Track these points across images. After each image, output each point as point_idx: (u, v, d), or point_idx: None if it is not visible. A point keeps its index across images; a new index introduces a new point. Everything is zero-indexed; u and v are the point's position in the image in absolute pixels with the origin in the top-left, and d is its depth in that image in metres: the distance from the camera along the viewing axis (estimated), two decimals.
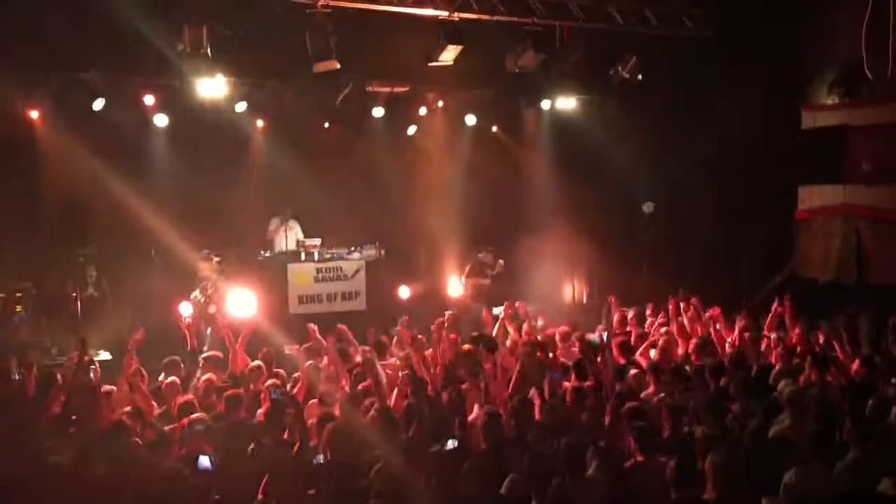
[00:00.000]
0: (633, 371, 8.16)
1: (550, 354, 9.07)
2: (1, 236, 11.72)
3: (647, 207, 15.07)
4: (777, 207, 13.51)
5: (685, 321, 9.89)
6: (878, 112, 12.17)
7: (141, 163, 12.89)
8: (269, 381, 7.82)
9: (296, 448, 6.33)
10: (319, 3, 10.71)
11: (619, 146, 14.67)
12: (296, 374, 8.53)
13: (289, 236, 13.81)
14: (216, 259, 12.56)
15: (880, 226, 12.22)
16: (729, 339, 9.46)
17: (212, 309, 11.44)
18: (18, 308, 11.68)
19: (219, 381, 8.17)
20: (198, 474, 6.08)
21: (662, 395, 7.51)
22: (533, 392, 7.39)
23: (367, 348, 8.98)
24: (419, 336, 9.21)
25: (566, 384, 7.92)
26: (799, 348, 8.85)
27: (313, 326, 9.08)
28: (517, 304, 10.77)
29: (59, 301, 12.10)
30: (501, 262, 14.00)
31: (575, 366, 8.18)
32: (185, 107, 12.66)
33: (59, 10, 10.20)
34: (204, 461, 6.19)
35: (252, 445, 6.32)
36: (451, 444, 6.34)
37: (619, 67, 13.04)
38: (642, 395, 7.61)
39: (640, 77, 13.01)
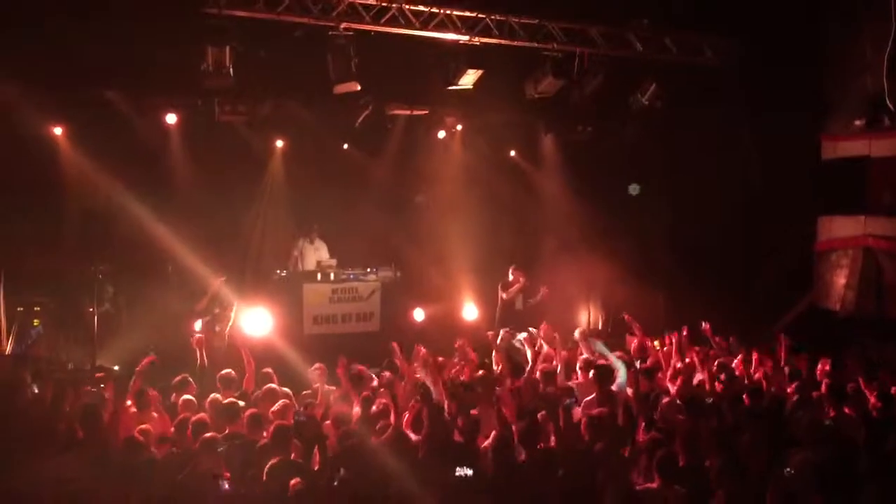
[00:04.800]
0: (664, 400, 8.00)
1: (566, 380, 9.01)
2: (21, 251, 11.79)
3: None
4: (796, 238, 13.40)
5: (708, 351, 9.83)
6: None
7: (161, 181, 13.00)
8: (280, 402, 7.82)
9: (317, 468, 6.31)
10: (342, 26, 10.82)
11: (637, 173, 14.64)
12: (305, 392, 8.57)
13: (311, 256, 13.82)
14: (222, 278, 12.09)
15: None
16: (746, 370, 9.38)
17: (217, 328, 11.31)
18: (36, 322, 11.75)
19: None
20: (216, 497, 6.05)
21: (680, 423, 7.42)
22: (542, 416, 7.33)
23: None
24: (438, 359, 9.17)
25: (577, 410, 7.87)
26: (821, 381, 8.75)
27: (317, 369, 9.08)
28: (540, 328, 10.70)
29: (75, 316, 12.15)
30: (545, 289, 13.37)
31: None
32: (207, 126, 12.78)
33: (84, 28, 10.31)
34: (222, 484, 6.16)
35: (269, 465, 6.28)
36: (465, 472, 6.30)
37: (639, 94, 13.06)
38: (663, 422, 7.51)
39: (659, 104, 13.00)
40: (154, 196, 12.54)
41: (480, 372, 9.00)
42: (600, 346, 9.41)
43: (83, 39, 10.46)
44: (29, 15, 10.18)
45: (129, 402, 7.81)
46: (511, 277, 13.22)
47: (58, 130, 12.23)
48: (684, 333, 10.02)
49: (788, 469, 6.17)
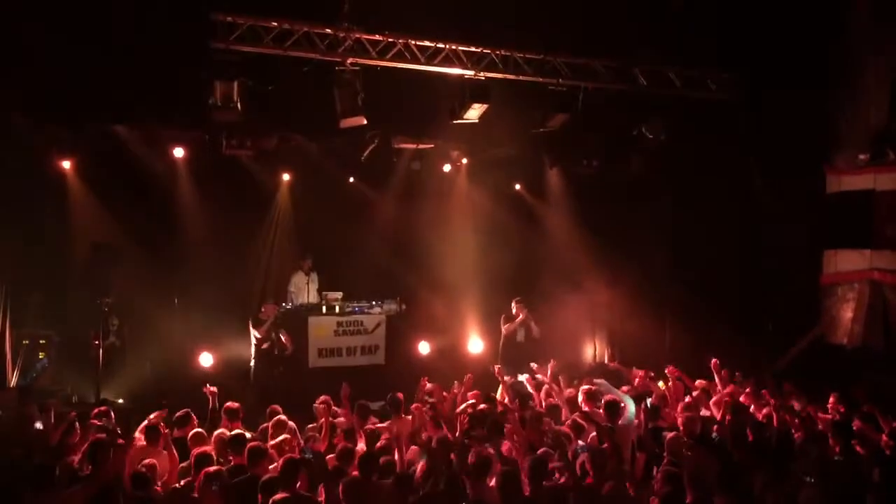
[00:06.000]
0: (670, 435, 7.93)
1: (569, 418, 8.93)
2: (28, 283, 11.85)
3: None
4: (802, 271, 13.36)
5: (713, 387, 9.77)
6: None
7: (167, 214, 13.07)
8: (282, 437, 7.79)
9: None
10: (348, 62, 10.91)
11: (642, 207, 14.66)
12: (310, 426, 8.53)
13: (311, 289, 13.83)
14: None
15: None
16: (752, 406, 9.32)
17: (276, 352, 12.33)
18: (42, 355, 11.77)
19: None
20: None
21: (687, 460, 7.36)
22: (544, 451, 7.28)
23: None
24: (443, 394, 9.13)
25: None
26: (830, 417, 8.70)
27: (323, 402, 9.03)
28: (546, 366, 10.66)
29: (81, 349, 12.15)
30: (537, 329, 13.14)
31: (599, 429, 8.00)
32: (214, 159, 12.87)
33: (91, 62, 10.39)
34: None
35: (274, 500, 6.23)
36: None
37: (644, 128, 13.09)
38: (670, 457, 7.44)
39: (663, 138, 13.03)
40: (160, 229, 12.61)
41: (482, 406, 8.95)
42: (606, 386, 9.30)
43: (91, 73, 10.54)
44: (37, 49, 10.28)
45: (138, 435, 7.78)
46: (514, 311, 13.19)
47: (66, 164, 12.31)
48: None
49: None
